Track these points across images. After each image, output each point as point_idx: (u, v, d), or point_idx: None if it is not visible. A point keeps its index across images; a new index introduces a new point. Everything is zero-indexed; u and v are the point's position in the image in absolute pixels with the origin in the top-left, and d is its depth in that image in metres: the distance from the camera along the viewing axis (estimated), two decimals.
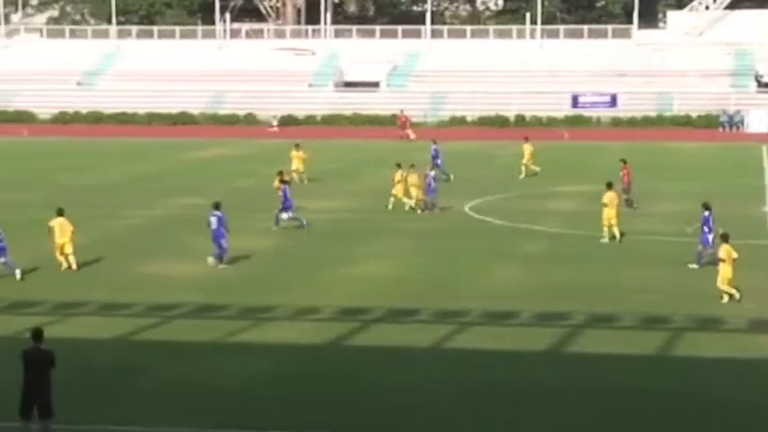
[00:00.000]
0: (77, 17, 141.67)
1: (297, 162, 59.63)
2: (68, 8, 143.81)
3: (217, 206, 37.69)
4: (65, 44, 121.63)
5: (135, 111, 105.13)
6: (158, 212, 49.13)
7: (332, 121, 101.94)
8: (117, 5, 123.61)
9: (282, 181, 45.56)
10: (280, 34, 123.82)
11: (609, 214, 41.71)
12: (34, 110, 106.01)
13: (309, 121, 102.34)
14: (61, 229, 36.73)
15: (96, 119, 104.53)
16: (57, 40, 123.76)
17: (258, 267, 37.23)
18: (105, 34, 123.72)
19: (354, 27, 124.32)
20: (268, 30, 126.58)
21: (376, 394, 23.84)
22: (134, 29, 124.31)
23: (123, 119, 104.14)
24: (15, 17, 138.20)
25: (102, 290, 33.35)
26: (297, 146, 60.97)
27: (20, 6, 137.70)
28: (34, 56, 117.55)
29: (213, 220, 37.14)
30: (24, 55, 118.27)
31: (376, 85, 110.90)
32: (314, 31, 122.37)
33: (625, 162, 50.90)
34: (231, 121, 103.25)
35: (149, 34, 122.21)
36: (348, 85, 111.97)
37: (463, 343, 27.95)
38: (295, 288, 34.02)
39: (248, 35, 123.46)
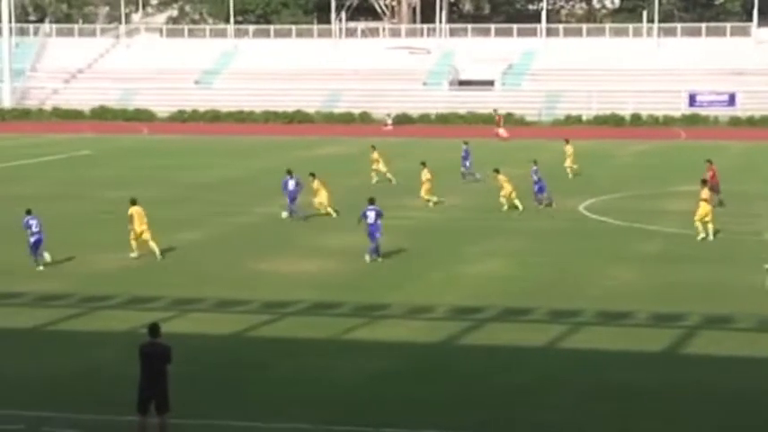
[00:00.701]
0: (196, 17, 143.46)
1: (377, 163, 59.92)
2: (187, 8, 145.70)
3: (372, 201, 38.39)
4: (183, 43, 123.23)
5: (251, 109, 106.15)
6: (273, 210, 49.51)
7: (446, 119, 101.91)
8: (235, 5, 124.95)
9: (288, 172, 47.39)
10: (395, 33, 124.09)
11: (705, 210, 41.34)
12: (153, 108, 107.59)
13: (424, 119, 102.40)
14: (138, 217, 37.84)
15: (213, 117, 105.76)
16: (176, 39, 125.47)
17: (370, 265, 37.34)
18: (223, 33, 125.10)
19: (469, 26, 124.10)
20: (383, 28, 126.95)
21: (489, 394, 23.78)
22: (251, 28, 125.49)
23: (240, 117, 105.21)
24: (136, 17, 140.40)
25: (218, 286, 33.74)
26: (373, 147, 61.28)
27: (140, 6, 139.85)
28: (154, 55, 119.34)
29: (371, 214, 37.85)
30: (144, 54, 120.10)
31: (490, 83, 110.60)
32: (429, 29, 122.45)
33: (711, 162, 50.69)
34: (346, 119, 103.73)
35: (266, 33, 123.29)
36: (462, 83, 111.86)
37: (578, 343, 27.77)
38: (408, 286, 34.08)
39: (363, 34, 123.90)
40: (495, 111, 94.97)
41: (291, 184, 46.79)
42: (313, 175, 48.27)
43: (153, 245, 37.89)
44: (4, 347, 26.86)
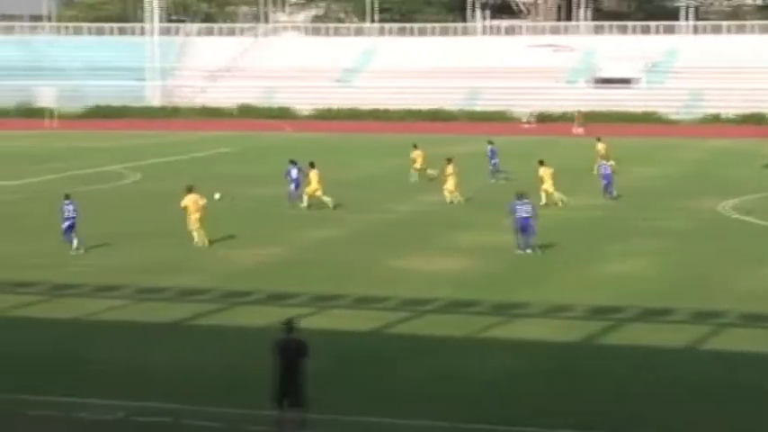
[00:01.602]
0: (339, 15, 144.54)
1: (417, 162, 60.18)
2: (330, 6, 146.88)
3: (521, 196, 38.93)
4: (325, 42, 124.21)
5: (391, 107, 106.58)
6: (410, 208, 49.70)
7: (587, 117, 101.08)
8: (376, 3, 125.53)
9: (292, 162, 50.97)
10: (536, 31, 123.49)
11: None
12: (295, 106, 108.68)
13: (565, 117, 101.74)
14: (193, 205, 39.26)
15: (354, 115, 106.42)
16: (318, 37, 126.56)
17: (506, 263, 37.25)
18: (364, 32, 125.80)
19: (611, 23, 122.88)
20: (524, 26, 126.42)
21: (626, 394, 23.55)
22: (392, 26, 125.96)
23: (380, 115, 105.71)
24: (277, 15, 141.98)
25: (356, 283, 33.95)
26: (414, 146, 61.31)
27: (282, 5, 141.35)
28: (296, 53, 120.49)
29: (522, 208, 38.26)
30: (286, 53, 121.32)
31: (631, 81, 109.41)
32: (570, 27, 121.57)
33: None
34: (486, 117, 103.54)
35: (407, 32, 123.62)
36: (603, 81, 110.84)
37: (719, 344, 27.34)
38: (545, 285, 33.90)
39: (505, 32, 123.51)
40: (579, 111, 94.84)
41: (294, 172, 50.53)
42: (312, 164, 49.63)
43: (203, 233, 39.10)
44: (149, 341, 27.38)
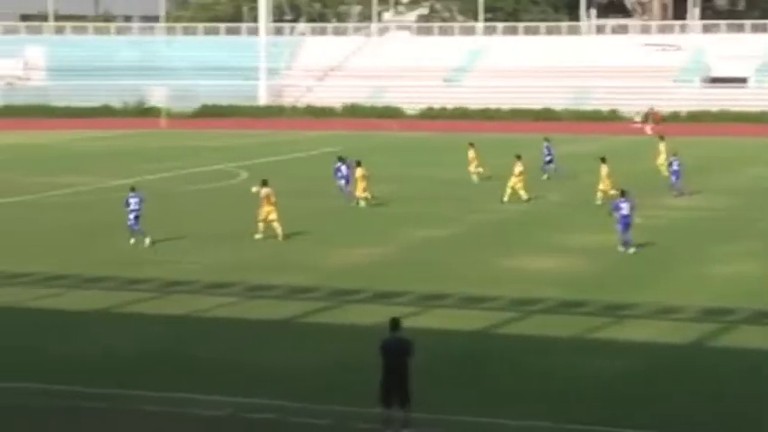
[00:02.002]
0: (446, 15, 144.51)
1: (473, 163, 59.53)
2: (438, 6, 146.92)
3: (624, 193, 39.08)
4: (433, 41, 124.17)
5: (498, 106, 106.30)
6: (516, 207, 49.51)
7: (697, 117, 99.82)
8: (484, 3, 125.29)
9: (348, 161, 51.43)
10: (645, 30, 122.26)
11: None
12: (402, 105, 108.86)
13: (674, 117, 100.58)
14: (267, 198, 39.85)
15: (461, 114, 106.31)
16: (425, 37, 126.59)
17: (615, 263, 36.98)
18: (472, 31, 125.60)
19: (723, 22, 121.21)
20: (634, 25, 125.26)
21: (734, 395, 23.26)
22: (500, 25, 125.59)
23: (487, 114, 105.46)
24: (387, 15, 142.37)
25: (463, 283, 33.93)
26: (471, 144, 60.86)
27: (391, 4, 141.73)
28: (404, 53, 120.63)
29: (625, 206, 38.24)
30: (394, 52, 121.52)
31: (744, 80, 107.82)
32: (681, 26, 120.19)
33: None
34: (595, 117, 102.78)
35: (515, 31, 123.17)
36: (714, 81, 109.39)
37: None
38: (655, 285, 33.59)
39: (613, 31, 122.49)
40: (651, 108, 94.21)
41: (344, 169, 51.53)
42: (359, 163, 50.02)
43: (277, 226, 39.90)
44: (260, 338, 27.65)
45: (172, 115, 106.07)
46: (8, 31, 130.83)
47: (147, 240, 39.67)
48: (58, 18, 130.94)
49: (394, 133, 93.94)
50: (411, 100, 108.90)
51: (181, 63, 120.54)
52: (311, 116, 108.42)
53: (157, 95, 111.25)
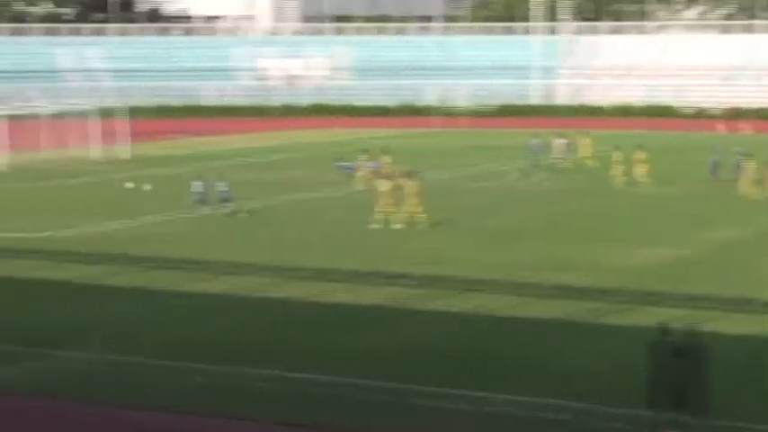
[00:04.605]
0: (723, 12, 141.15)
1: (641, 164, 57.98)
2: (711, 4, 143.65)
3: None
4: (711, 39, 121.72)
5: None
6: None
7: None
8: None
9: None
10: None
11: None
12: (677, 104, 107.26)
13: None
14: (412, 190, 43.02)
15: (737, 114, 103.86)
16: (704, 34, 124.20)
17: None
18: (751, 29, 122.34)
19: None
20: None
21: None
22: None
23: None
24: (663, 13, 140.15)
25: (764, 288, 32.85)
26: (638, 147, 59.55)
27: (668, 3, 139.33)
28: (680, 51, 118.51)
29: None
30: (671, 50, 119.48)
31: None
32: None
33: None
34: None
35: None
36: None
37: None
38: None
39: None
40: None
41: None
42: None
43: (419, 219, 42.39)
44: (552, 338, 27.61)
45: (445, 114, 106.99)
46: (317, 31, 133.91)
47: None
48: (339, 19, 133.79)
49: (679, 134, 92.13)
50: (688, 98, 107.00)
51: (455, 62, 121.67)
52: (581, 115, 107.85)
53: (430, 95, 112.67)
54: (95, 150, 73.16)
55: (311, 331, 28.19)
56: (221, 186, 48.08)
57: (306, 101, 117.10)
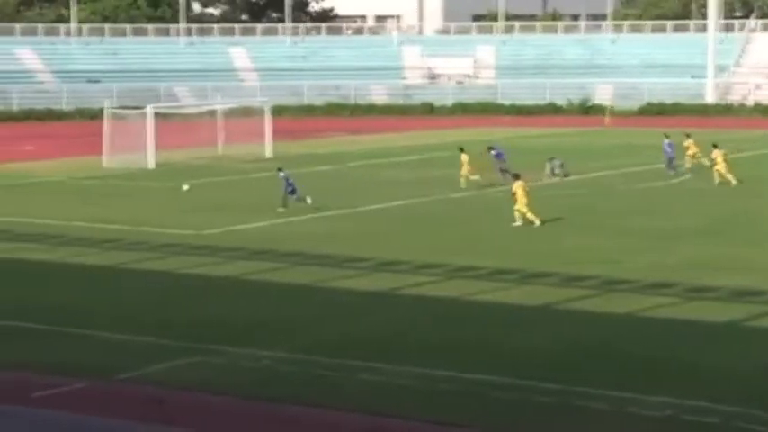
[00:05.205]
0: None
1: (693, 149, 61.70)
2: None
3: None
4: None
5: None
6: None
7: None
8: None
9: None
10: None
11: None
12: None
13: None
14: (522, 189, 43.92)
15: None
16: None
17: None
18: None
19: None
20: None
21: None
22: None
23: None
24: None
25: None
26: (688, 135, 62.46)
27: None
28: None
29: None
30: None
31: None
32: None
33: None
34: None
35: None
36: None
37: None
38: None
39: None
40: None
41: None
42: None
43: (532, 216, 43.47)
44: (700, 340, 27.22)
45: (615, 113, 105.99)
46: (460, 31, 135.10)
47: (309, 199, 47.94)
48: (508, 18, 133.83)
49: None
50: None
51: (627, 61, 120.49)
52: (760, 114, 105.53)
53: (602, 93, 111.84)
54: (253, 147, 73.29)
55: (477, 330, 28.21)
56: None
57: (449, 100, 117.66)
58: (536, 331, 28.12)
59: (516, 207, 44.02)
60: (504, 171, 56.20)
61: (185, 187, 54.47)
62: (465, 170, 56.27)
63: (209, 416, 21.74)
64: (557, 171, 59.75)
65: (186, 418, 21.58)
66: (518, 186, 44.30)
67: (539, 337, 27.50)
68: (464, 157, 56.80)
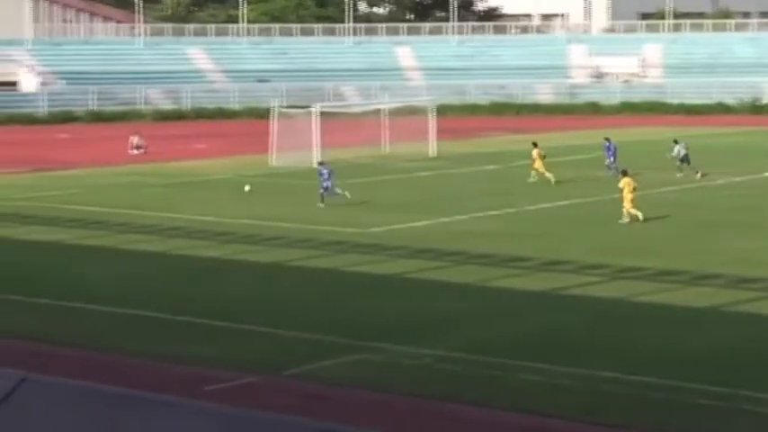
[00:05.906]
0: None
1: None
2: None
3: None
4: None
5: None
6: None
7: None
8: None
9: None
10: None
11: None
12: None
13: None
14: (628, 186, 44.75)
15: None
16: None
17: None
18: None
19: None
20: None
21: None
22: None
23: None
24: None
25: None
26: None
27: None
28: None
29: None
30: None
31: None
32: None
33: None
34: None
35: None
36: None
37: None
38: None
39: None
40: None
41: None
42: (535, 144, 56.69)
43: (635, 211, 44.10)
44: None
45: None
46: (628, 29, 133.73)
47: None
48: (676, 15, 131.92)
49: None
50: None
51: None
52: None
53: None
54: (418, 145, 73.46)
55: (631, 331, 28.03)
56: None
57: (616, 99, 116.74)
58: (702, 333, 27.78)
59: (623, 205, 44.72)
60: (609, 167, 58.43)
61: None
62: (537, 165, 57.74)
63: (374, 413, 22.00)
64: (683, 152, 59.34)
65: (350, 416, 21.84)
66: (625, 183, 45.18)
67: (704, 339, 27.15)
68: (535, 152, 58.26)
